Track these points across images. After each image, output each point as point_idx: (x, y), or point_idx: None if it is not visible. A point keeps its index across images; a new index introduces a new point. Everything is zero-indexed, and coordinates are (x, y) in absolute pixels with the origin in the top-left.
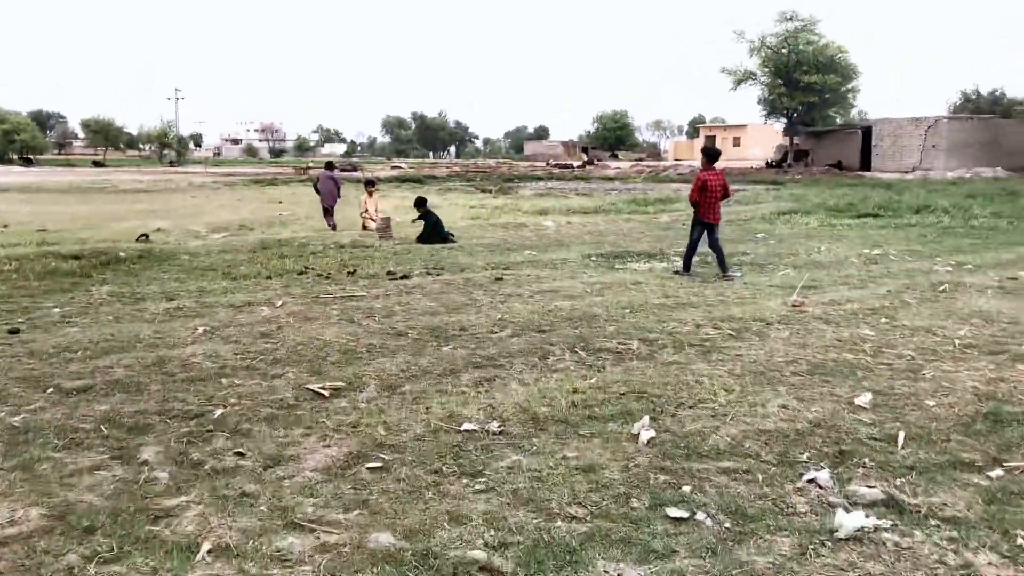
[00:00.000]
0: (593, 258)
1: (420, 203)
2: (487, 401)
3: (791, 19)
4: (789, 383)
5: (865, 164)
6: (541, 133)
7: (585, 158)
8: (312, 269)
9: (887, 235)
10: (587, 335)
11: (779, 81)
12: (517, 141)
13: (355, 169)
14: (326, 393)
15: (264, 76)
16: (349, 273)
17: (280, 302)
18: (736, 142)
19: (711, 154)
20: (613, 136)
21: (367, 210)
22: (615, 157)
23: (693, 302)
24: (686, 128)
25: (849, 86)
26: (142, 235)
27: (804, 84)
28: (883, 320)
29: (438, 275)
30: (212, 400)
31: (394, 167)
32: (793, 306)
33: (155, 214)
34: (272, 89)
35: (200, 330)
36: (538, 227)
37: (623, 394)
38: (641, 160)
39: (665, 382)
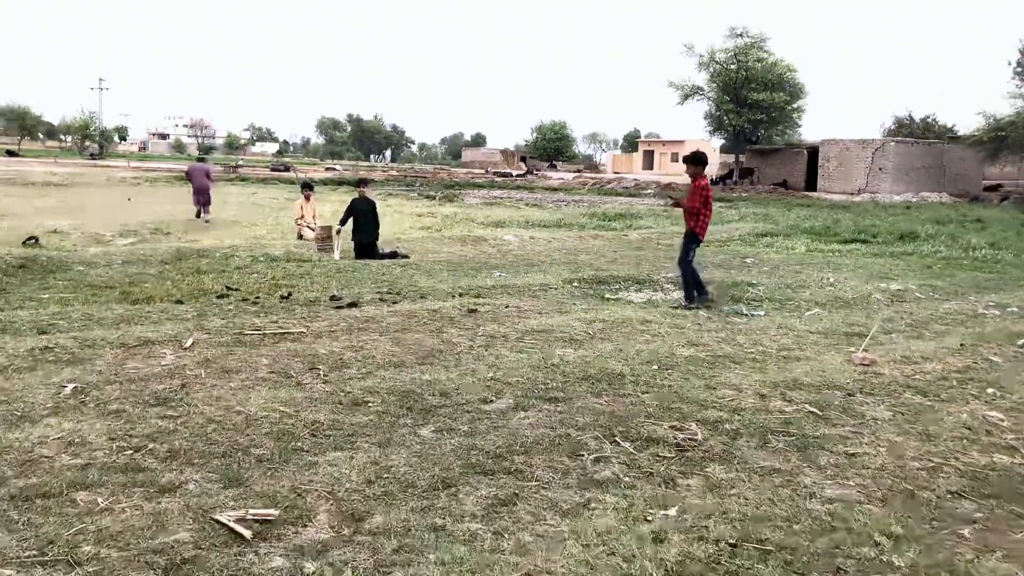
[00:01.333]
0: (576, 284)
1: (362, 183)
2: (517, 559)
3: (741, 35)
4: (966, 516)
5: (810, 184)
6: (478, 140)
7: (524, 167)
8: (236, 290)
9: (888, 265)
10: (622, 412)
11: (727, 97)
12: (454, 147)
13: (287, 169)
14: (247, 534)
15: (195, 71)
16: (283, 297)
17: (190, 341)
18: (675, 158)
19: (703, 161)
20: (552, 147)
21: (303, 217)
22: (554, 168)
23: (731, 354)
24: (621, 141)
25: (795, 105)
26: (30, 238)
27: (752, 101)
28: (990, 390)
29: (394, 303)
30: (48, 548)
31: (329, 168)
32: (860, 364)
33: (60, 211)
34: (203, 84)
35: (68, 389)
36: (499, 242)
37: (736, 547)
38: (580, 172)
39: (784, 516)
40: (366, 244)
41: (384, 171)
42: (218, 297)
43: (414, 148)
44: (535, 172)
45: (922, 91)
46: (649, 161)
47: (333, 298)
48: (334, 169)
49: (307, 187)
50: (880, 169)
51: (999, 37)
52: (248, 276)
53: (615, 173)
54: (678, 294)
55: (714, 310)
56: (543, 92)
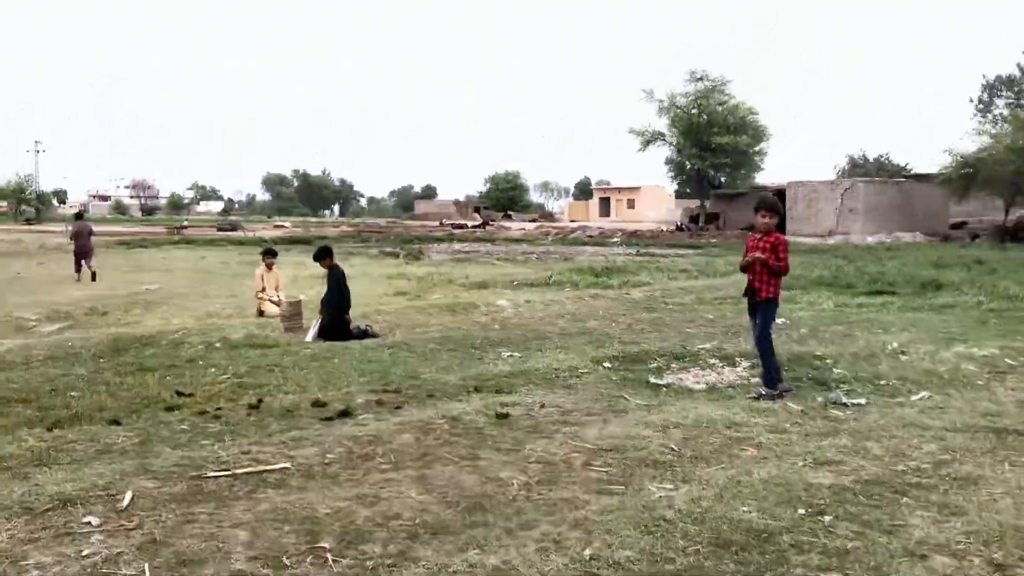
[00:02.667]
0: (609, 365)
1: (321, 255)
2: None
3: (702, 79)
4: None
5: (778, 227)
6: (428, 192)
7: (479, 218)
8: (190, 395)
9: (939, 322)
10: None
11: (689, 142)
12: (404, 200)
13: (235, 229)
14: None
15: (135, 131)
16: (251, 407)
17: (128, 498)
18: (631, 204)
19: (779, 210)
20: (505, 196)
21: (264, 289)
22: (508, 217)
23: (885, 479)
24: (572, 190)
25: (757, 148)
26: None
27: (716, 145)
28: None
29: (398, 407)
30: None
31: (277, 226)
32: None
33: None
34: (144, 144)
35: None
36: (493, 309)
37: None
38: (536, 220)
39: None
40: (333, 321)
41: (335, 226)
42: (167, 409)
43: (363, 202)
44: (491, 223)
45: (873, 131)
46: (605, 208)
47: (317, 404)
48: (283, 226)
49: (269, 254)
50: (850, 210)
51: (948, 76)
52: (204, 372)
53: (572, 221)
54: (733, 374)
55: (799, 397)
56: (491, 142)
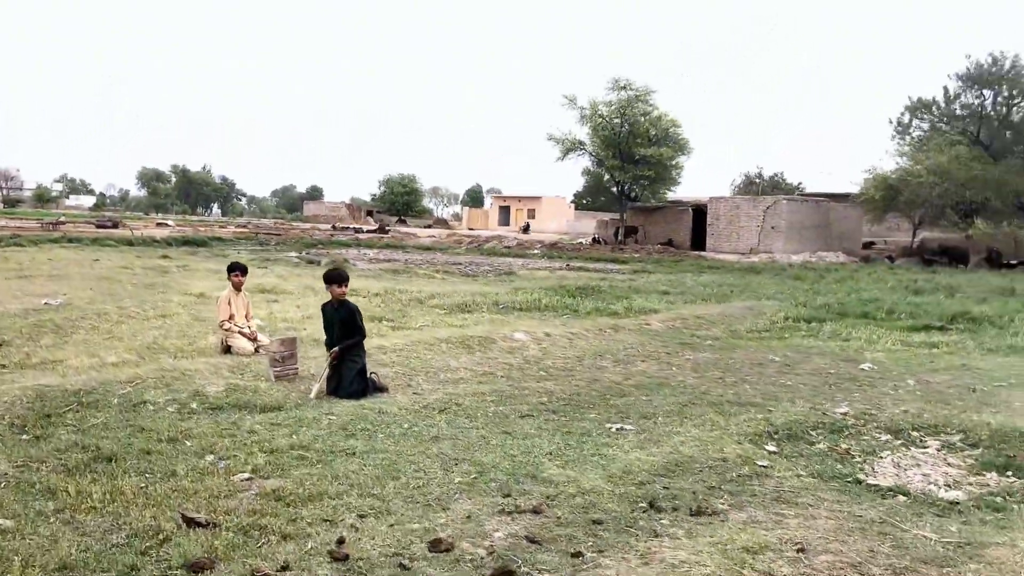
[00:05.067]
0: (774, 449)
1: (338, 279)
2: None
3: (625, 88)
4: None
5: (696, 243)
6: (314, 193)
7: (372, 223)
8: (208, 527)
9: None
10: None
11: (610, 152)
12: (287, 200)
13: (116, 226)
14: None
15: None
16: (335, 558)
17: None
18: (531, 214)
19: None
20: (401, 201)
21: (232, 317)
22: (403, 223)
23: None
24: (462, 196)
25: (675, 161)
26: None
27: (639, 157)
28: None
29: (575, 556)
30: None
31: (160, 224)
32: None
33: None
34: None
35: None
36: (513, 344)
37: None
38: (431, 227)
39: None
40: (347, 372)
41: (223, 226)
42: (183, 568)
43: (244, 202)
44: (387, 228)
45: (767, 149)
46: (505, 217)
47: (438, 547)
48: (166, 224)
49: (237, 269)
50: (772, 227)
51: (847, 98)
52: (201, 466)
53: (470, 229)
54: (941, 463)
55: None
56: (379, 144)
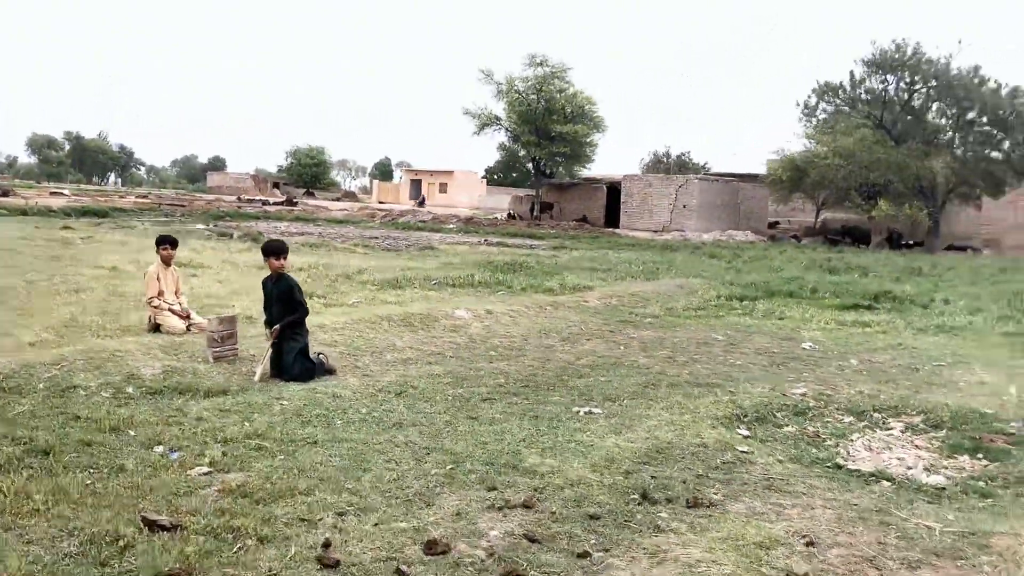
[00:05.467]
0: (747, 433)
1: (276, 250)
2: None
3: (541, 64)
4: None
5: (610, 220)
6: (217, 164)
7: (279, 195)
8: (175, 530)
9: (962, 347)
10: None
11: (527, 128)
12: (188, 170)
13: (6, 194)
14: None
15: None
16: (324, 564)
17: None
18: (443, 188)
19: None
20: (309, 173)
21: (162, 293)
22: (311, 195)
23: None
24: (370, 169)
25: (590, 139)
26: None
27: (555, 134)
28: None
29: (580, 556)
30: None
31: (55, 193)
32: None
33: None
34: None
35: None
36: (456, 322)
37: None
38: (339, 200)
39: None
40: (288, 352)
41: (122, 196)
42: None
43: (143, 171)
44: (295, 201)
45: (676, 129)
46: (416, 191)
47: (433, 549)
48: (62, 194)
49: (167, 242)
50: (684, 206)
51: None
52: (150, 458)
53: (380, 203)
54: (906, 444)
55: None
56: (285, 114)
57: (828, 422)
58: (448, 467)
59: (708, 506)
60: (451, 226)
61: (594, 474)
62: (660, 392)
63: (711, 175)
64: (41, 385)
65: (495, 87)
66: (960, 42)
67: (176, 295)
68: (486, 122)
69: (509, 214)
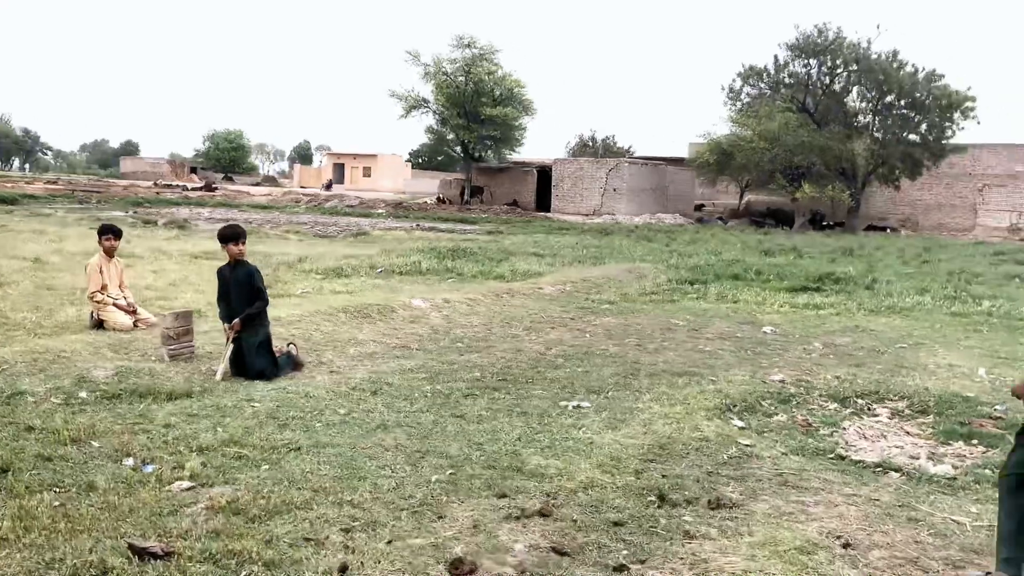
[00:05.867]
0: (742, 425)
1: (234, 235)
2: None
3: (469, 45)
4: None
5: (541, 204)
6: (129, 148)
7: (197, 180)
8: (168, 557)
9: (916, 328)
10: None
11: (455, 111)
12: (99, 155)
13: None
14: None
15: None
16: None
17: None
18: (367, 172)
19: None
20: (227, 157)
21: (104, 288)
22: (230, 180)
23: None
24: (289, 153)
25: (519, 122)
26: None
27: (484, 116)
28: None
29: (619, 570)
30: None
31: None
32: None
33: None
34: None
35: None
36: (414, 312)
37: None
38: (260, 185)
39: None
40: (249, 347)
41: (29, 182)
42: None
43: (50, 156)
44: (214, 186)
45: (601, 112)
46: (340, 175)
47: (458, 570)
48: None
49: (110, 232)
50: (615, 190)
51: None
52: (119, 474)
53: (302, 187)
54: (898, 431)
55: None
56: (199, 98)
57: (814, 409)
58: (448, 472)
59: (731, 507)
60: (380, 211)
61: (604, 475)
62: (642, 383)
63: (637, 159)
64: None
65: (423, 69)
66: (879, 27)
67: (121, 288)
68: (414, 104)
69: (439, 198)
